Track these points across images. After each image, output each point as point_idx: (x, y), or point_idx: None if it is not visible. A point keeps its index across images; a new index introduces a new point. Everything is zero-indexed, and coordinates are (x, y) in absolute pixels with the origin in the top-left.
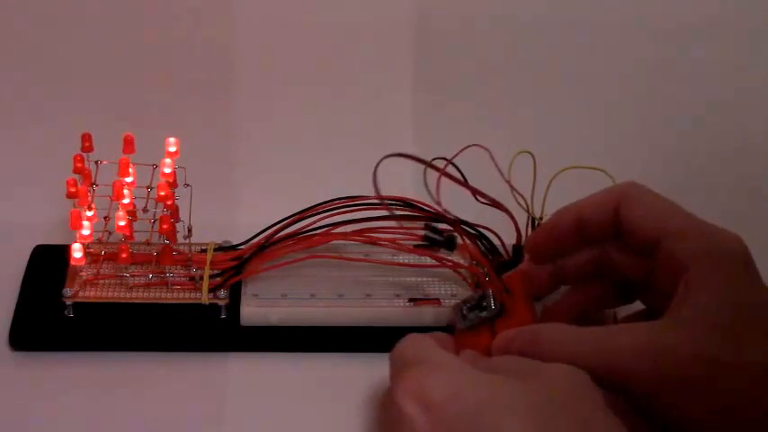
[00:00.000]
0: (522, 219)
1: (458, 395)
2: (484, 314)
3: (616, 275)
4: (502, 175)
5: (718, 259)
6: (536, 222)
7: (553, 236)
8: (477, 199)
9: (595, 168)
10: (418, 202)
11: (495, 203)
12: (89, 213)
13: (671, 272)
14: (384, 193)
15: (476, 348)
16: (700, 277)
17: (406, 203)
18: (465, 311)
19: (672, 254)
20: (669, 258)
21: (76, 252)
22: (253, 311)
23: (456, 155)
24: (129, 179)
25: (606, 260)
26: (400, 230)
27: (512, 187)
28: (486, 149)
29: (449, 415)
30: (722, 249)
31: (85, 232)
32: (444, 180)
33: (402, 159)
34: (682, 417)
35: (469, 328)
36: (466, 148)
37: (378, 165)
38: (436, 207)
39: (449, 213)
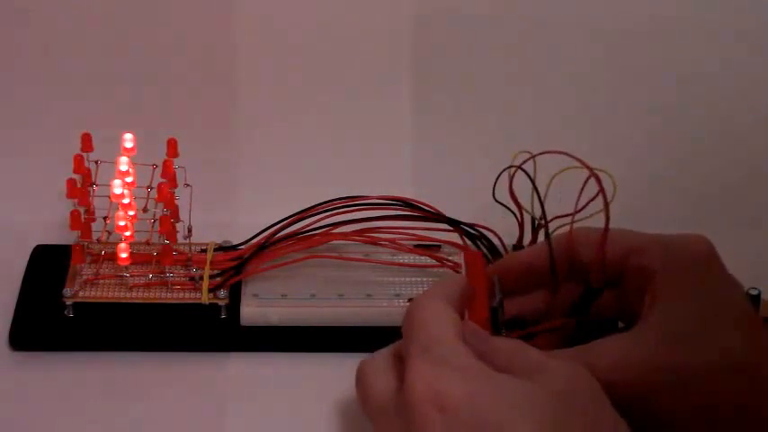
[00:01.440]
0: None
1: (473, 399)
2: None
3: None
4: (536, 184)
5: (681, 264)
6: (536, 223)
7: (501, 276)
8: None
9: (595, 168)
10: (418, 202)
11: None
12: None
13: (639, 285)
14: (384, 193)
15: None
16: (664, 283)
17: (406, 203)
18: (498, 289)
19: (638, 267)
20: (636, 273)
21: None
22: (253, 311)
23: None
24: (129, 179)
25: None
26: (400, 230)
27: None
28: (570, 156)
29: (465, 418)
30: (685, 253)
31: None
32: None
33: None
34: (658, 420)
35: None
36: (541, 152)
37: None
38: (436, 207)
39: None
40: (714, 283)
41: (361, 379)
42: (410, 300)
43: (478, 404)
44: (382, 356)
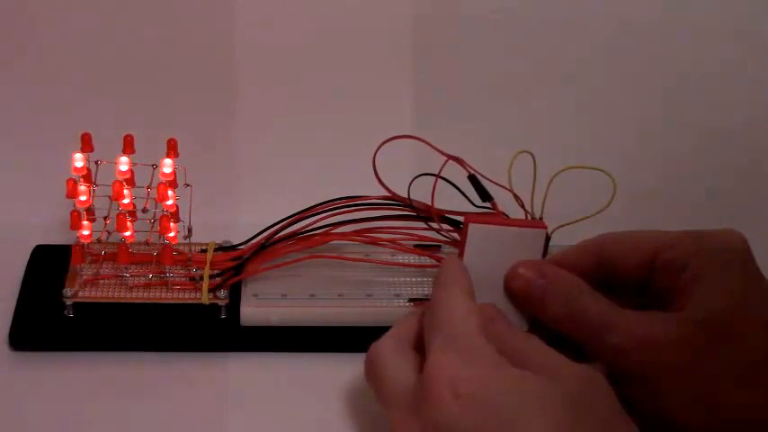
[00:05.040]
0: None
1: (488, 390)
2: None
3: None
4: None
5: (714, 255)
6: None
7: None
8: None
9: (595, 168)
10: (418, 201)
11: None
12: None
13: (670, 279)
14: (384, 193)
15: None
16: (697, 273)
17: (406, 204)
18: None
19: (669, 261)
20: (667, 267)
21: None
22: (253, 311)
23: (440, 169)
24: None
25: None
26: (400, 230)
27: (513, 191)
28: (460, 162)
29: (478, 407)
30: (719, 246)
31: (85, 232)
32: (439, 180)
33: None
34: (663, 410)
35: None
36: (446, 161)
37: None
38: (436, 208)
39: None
40: (748, 278)
41: (373, 368)
42: (410, 300)
43: (493, 396)
44: (393, 341)
